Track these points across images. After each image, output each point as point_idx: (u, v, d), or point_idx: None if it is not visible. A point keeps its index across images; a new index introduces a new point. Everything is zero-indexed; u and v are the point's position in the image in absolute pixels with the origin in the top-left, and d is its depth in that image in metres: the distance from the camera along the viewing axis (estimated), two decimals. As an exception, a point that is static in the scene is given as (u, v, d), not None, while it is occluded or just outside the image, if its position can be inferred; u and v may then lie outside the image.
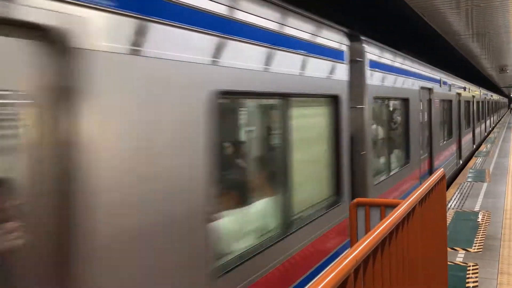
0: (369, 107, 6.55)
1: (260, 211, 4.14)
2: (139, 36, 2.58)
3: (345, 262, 1.94)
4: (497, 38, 16.24)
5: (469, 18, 12.42)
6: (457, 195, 11.43)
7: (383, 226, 2.53)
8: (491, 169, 15.48)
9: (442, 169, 4.43)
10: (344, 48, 5.87)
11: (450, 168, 14.19)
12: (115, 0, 2.42)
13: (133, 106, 2.51)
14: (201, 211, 2.99)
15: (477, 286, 5.86)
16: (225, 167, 3.51)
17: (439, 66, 13.94)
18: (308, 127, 5.11)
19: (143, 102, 2.58)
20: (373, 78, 6.78)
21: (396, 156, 8.63)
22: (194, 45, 3.04)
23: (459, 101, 16.50)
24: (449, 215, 9.31)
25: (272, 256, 3.90)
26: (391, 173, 7.79)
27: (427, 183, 3.68)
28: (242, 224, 3.89)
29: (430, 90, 11.24)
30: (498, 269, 6.41)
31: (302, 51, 4.68)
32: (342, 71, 5.74)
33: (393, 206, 3.51)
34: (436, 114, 11.79)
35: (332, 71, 5.42)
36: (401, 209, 2.88)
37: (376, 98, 7.04)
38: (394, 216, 2.73)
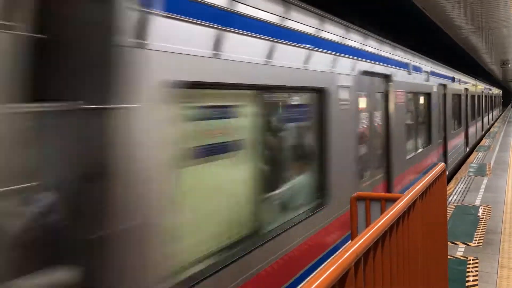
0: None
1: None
2: None
3: (345, 256, 1.95)
4: (498, 32, 16.18)
5: (470, 12, 12.37)
6: (457, 190, 11.44)
7: (383, 220, 2.53)
8: (491, 164, 15.48)
9: (443, 163, 4.43)
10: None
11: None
12: None
13: None
14: None
15: (477, 280, 5.88)
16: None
17: (440, 60, 13.87)
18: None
19: None
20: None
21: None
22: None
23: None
24: (450, 209, 9.32)
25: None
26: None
27: (428, 177, 3.69)
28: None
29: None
30: (498, 263, 6.42)
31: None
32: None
33: (393, 200, 3.51)
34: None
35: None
36: (401, 203, 2.88)
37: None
38: (394, 210, 2.74)
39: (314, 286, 1.65)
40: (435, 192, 3.88)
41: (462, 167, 15.03)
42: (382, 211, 4.15)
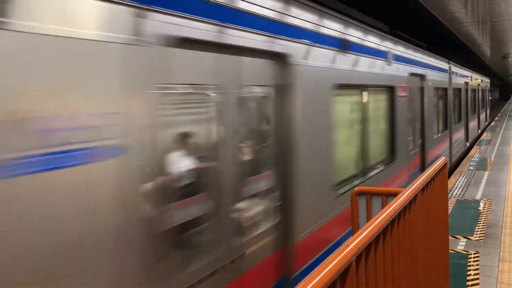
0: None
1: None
2: None
3: (347, 250, 1.94)
4: (499, 26, 16.13)
5: (471, 6, 12.33)
6: (459, 184, 11.44)
7: (385, 214, 2.53)
8: (492, 158, 15.47)
9: (444, 157, 4.43)
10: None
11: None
12: None
13: None
14: None
15: (478, 273, 5.88)
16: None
17: (439, 52, 13.88)
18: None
19: None
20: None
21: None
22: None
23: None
24: (451, 204, 9.33)
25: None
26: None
27: (429, 172, 3.68)
28: None
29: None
30: (499, 257, 6.42)
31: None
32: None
33: (394, 195, 3.50)
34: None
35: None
36: (402, 197, 2.87)
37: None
38: (395, 204, 2.73)
39: (315, 281, 1.64)
40: (436, 186, 3.88)
41: (463, 161, 15.03)
42: (383, 206, 4.15)
